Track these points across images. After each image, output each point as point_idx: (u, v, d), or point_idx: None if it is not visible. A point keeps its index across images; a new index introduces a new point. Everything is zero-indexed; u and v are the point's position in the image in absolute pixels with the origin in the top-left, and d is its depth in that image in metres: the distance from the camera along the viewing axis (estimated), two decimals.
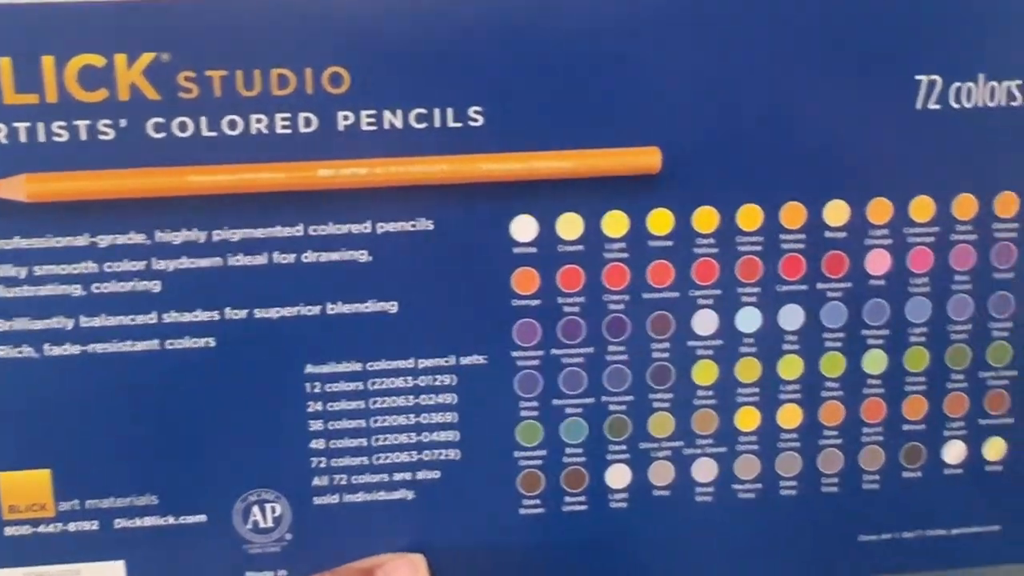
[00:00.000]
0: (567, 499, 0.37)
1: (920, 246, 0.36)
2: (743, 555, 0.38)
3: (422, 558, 0.35)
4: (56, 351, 0.34)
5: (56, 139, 0.32)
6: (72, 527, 0.35)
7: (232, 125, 0.33)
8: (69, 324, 0.34)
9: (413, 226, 0.34)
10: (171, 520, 0.35)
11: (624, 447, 0.36)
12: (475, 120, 0.34)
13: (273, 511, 0.35)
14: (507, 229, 0.35)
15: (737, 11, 0.34)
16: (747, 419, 0.37)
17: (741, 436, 0.37)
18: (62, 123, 0.32)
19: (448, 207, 0.34)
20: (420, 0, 0.33)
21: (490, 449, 0.36)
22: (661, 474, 0.37)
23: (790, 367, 0.37)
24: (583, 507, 0.37)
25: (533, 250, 0.35)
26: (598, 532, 0.37)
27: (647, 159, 0.35)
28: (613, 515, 0.37)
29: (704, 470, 0.37)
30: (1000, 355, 0.37)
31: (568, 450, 0.36)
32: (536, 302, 0.35)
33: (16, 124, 0.32)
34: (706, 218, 0.35)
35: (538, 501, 0.36)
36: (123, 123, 0.33)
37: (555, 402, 0.36)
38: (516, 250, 0.35)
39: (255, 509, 0.35)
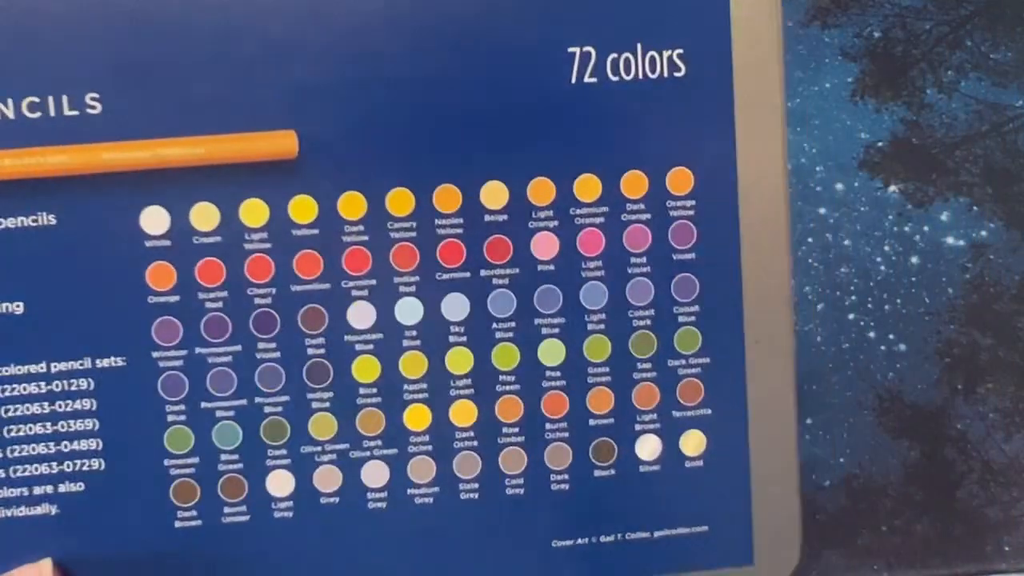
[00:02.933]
0: (227, 509, 0.34)
1: (589, 227, 0.34)
2: (425, 566, 0.35)
3: (48, 563, 0.33)
4: None
5: None
6: None
7: None
8: None
9: (35, 221, 0.33)
10: None
11: (284, 451, 0.34)
12: (93, 108, 0.32)
13: None
14: (137, 221, 0.33)
15: None
16: (417, 418, 0.35)
17: (412, 436, 0.35)
18: None
19: (71, 200, 0.33)
20: None
21: (137, 458, 0.34)
22: (327, 479, 0.35)
23: (459, 360, 0.35)
24: (245, 517, 0.34)
25: (167, 243, 0.33)
26: (263, 544, 0.34)
27: (283, 143, 0.33)
28: (279, 525, 0.34)
29: (375, 474, 0.35)
30: (689, 342, 0.35)
31: (223, 456, 0.34)
32: (175, 298, 0.33)
33: None
34: (353, 204, 0.34)
35: (195, 512, 0.34)
36: None
37: (204, 405, 0.34)
38: (148, 243, 0.33)
39: None
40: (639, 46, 0.34)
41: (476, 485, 0.35)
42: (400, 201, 0.34)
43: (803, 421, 0.48)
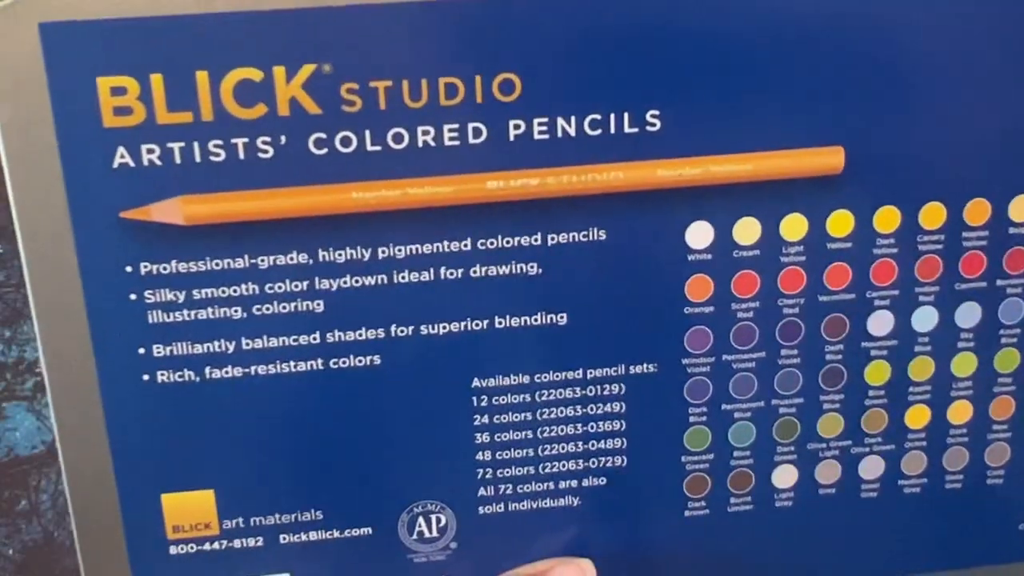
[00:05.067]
0: (733, 500, 0.36)
1: None
2: (908, 547, 0.37)
3: (590, 563, 0.35)
4: (217, 374, 0.32)
5: (212, 158, 0.30)
6: (237, 544, 0.34)
7: (398, 138, 0.31)
8: (231, 347, 0.32)
9: (585, 236, 0.33)
10: (336, 534, 0.34)
11: (791, 448, 0.36)
12: (652, 125, 0.32)
13: (438, 521, 0.35)
14: (682, 236, 0.33)
15: (916, 4, 0.32)
16: (917, 417, 0.36)
17: (910, 434, 0.36)
18: (218, 142, 0.30)
19: (622, 215, 0.33)
20: (594, 1, 0.30)
21: (657, 455, 0.35)
22: (827, 472, 0.36)
23: (964, 364, 0.36)
24: (748, 507, 0.36)
25: (708, 256, 0.33)
26: (762, 530, 0.36)
27: (831, 159, 0.33)
28: (778, 514, 0.36)
29: (871, 467, 0.36)
30: None
31: (736, 453, 0.36)
32: (709, 309, 0.34)
33: (170, 144, 0.30)
34: (888, 218, 0.34)
35: (703, 503, 0.36)
36: (283, 140, 0.31)
37: (724, 407, 0.35)
38: (691, 257, 0.33)
39: (420, 520, 0.35)
40: None
41: (960, 476, 0.37)
42: (932, 215, 0.34)
43: None
